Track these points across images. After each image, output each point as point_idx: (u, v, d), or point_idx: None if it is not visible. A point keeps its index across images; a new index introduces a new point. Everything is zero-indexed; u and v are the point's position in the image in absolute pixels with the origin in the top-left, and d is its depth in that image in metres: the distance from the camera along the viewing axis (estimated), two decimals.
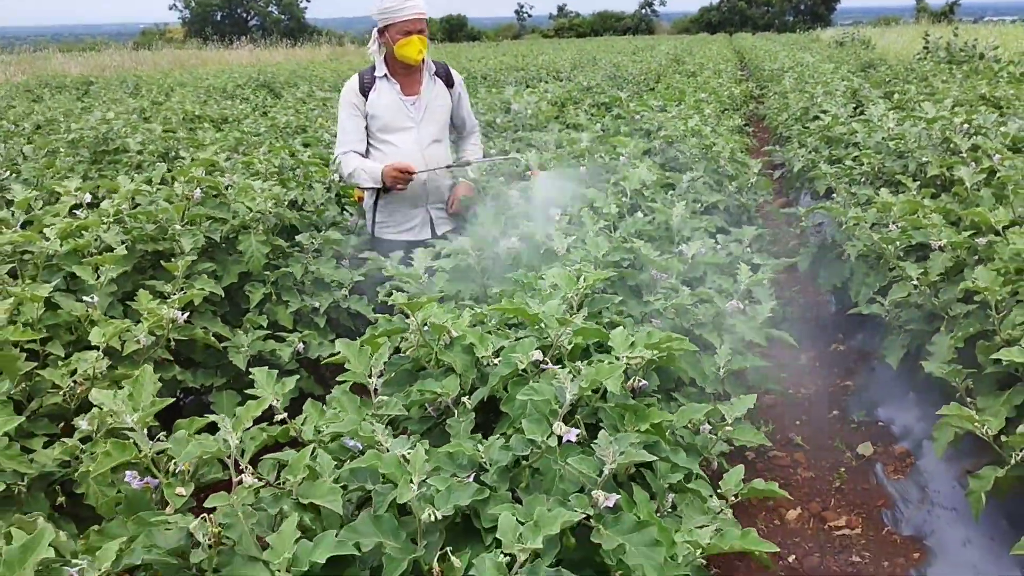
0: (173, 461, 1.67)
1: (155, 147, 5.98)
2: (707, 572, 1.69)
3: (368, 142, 3.95)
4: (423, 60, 3.85)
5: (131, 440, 1.68)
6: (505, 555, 1.32)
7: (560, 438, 1.59)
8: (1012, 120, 4.96)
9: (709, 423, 2.32)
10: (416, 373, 2.16)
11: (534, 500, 1.52)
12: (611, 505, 1.50)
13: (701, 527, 1.64)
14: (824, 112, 7.52)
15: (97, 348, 2.59)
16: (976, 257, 3.27)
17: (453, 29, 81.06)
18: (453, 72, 4.08)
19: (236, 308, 3.66)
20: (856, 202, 4.52)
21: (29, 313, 2.68)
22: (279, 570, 1.37)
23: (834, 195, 4.96)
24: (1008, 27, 32.04)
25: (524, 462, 1.64)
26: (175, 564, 1.44)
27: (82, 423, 2.15)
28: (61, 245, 2.95)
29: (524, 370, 1.90)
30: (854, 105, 7.76)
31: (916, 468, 3.45)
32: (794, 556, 3.13)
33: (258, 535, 1.51)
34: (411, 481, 1.46)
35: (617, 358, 1.86)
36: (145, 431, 1.72)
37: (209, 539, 1.47)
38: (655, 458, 1.63)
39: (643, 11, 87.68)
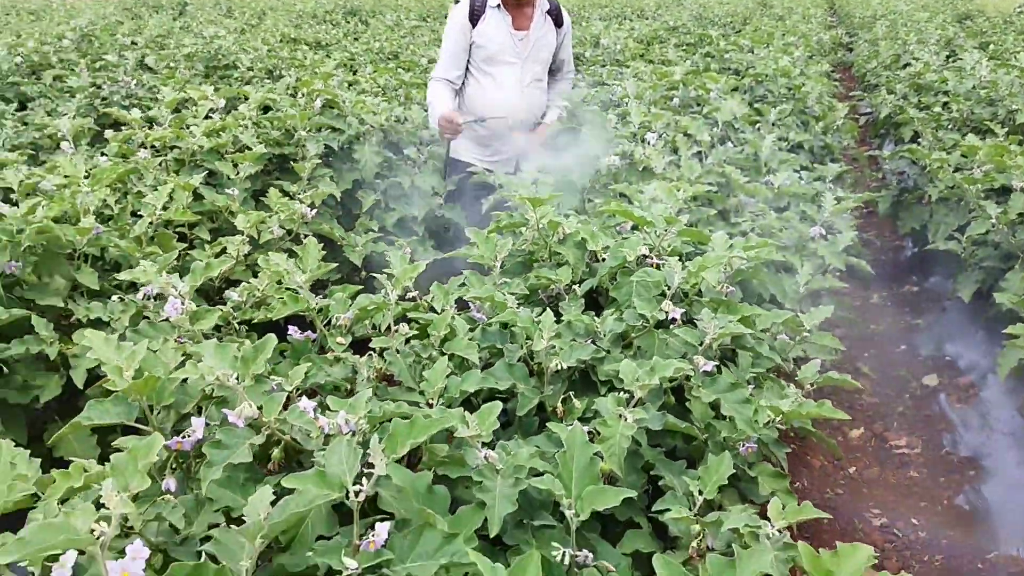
0: (334, 315, 1.98)
1: (263, 64, 6.30)
2: (782, 444, 1.95)
3: (470, 70, 3.87)
4: None
5: (300, 295, 2.00)
6: (625, 392, 1.59)
7: (667, 314, 1.86)
8: None
9: (787, 335, 2.55)
10: (530, 264, 2.43)
11: (642, 364, 1.79)
12: (708, 370, 1.76)
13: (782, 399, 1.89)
14: (916, 59, 7.48)
15: (241, 233, 2.93)
16: None
17: None
18: (564, 12, 3.98)
19: (348, 213, 3.97)
20: (942, 147, 4.61)
21: (180, 201, 3.02)
22: (432, 398, 1.67)
23: (920, 140, 5.05)
24: None
25: (633, 334, 1.91)
26: (345, 389, 1.75)
27: (232, 295, 2.48)
28: (206, 141, 3.27)
29: (630, 264, 2.16)
30: (947, 54, 7.68)
31: (979, 398, 3.64)
32: (854, 468, 3.37)
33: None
34: (542, 336, 1.74)
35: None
36: (308, 288, 2.04)
37: (371, 373, 1.79)
38: (749, 331, 1.88)
39: None
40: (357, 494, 1.21)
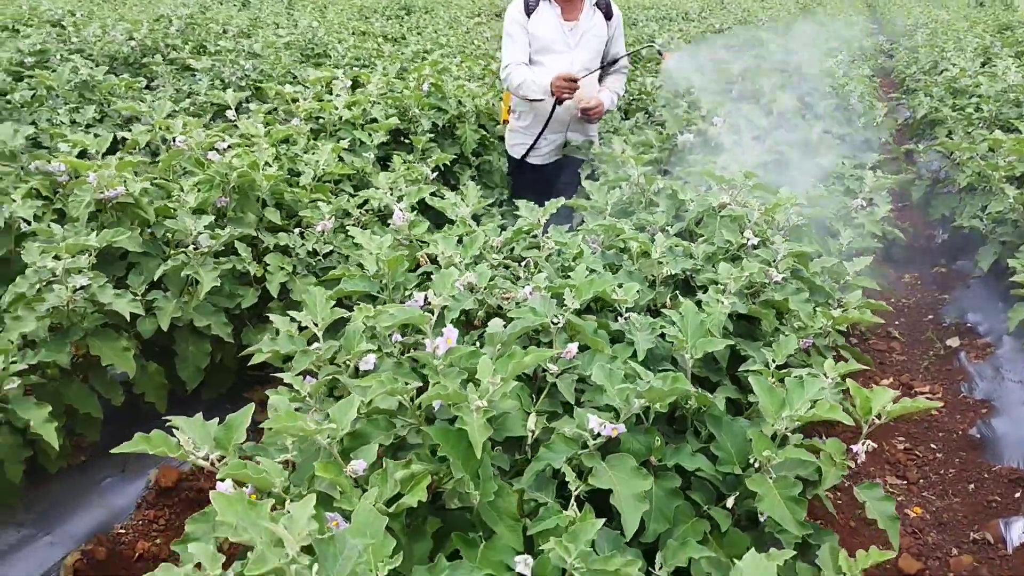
0: (491, 238, 2.62)
1: (352, 53, 6.98)
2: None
3: None
4: None
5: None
6: (720, 285, 2.21)
7: (747, 241, 2.47)
8: None
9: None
10: (630, 211, 3.06)
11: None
12: (778, 280, 2.37)
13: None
14: (953, 65, 7.99)
15: (378, 188, 3.58)
16: None
17: None
18: (614, 5, 4.16)
19: (446, 182, 4.62)
20: (971, 141, 5.17)
21: (331, 161, 3.68)
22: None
23: (953, 137, 5.60)
24: None
25: (720, 256, 2.53)
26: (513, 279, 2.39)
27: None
28: (347, 113, 3.93)
29: (714, 209, 2.78)
30: (982, 61, 8.18)
31: (994, 355, 4.20)
32: None
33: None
34: (656, 251, 2.37)
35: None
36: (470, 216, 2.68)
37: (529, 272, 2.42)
38: (812, 249, 2.49)
39: None
40: (556, 322, 1.84)
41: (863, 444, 1.94)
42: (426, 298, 2.06)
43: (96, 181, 2.73)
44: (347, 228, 3.42)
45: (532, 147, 4.17)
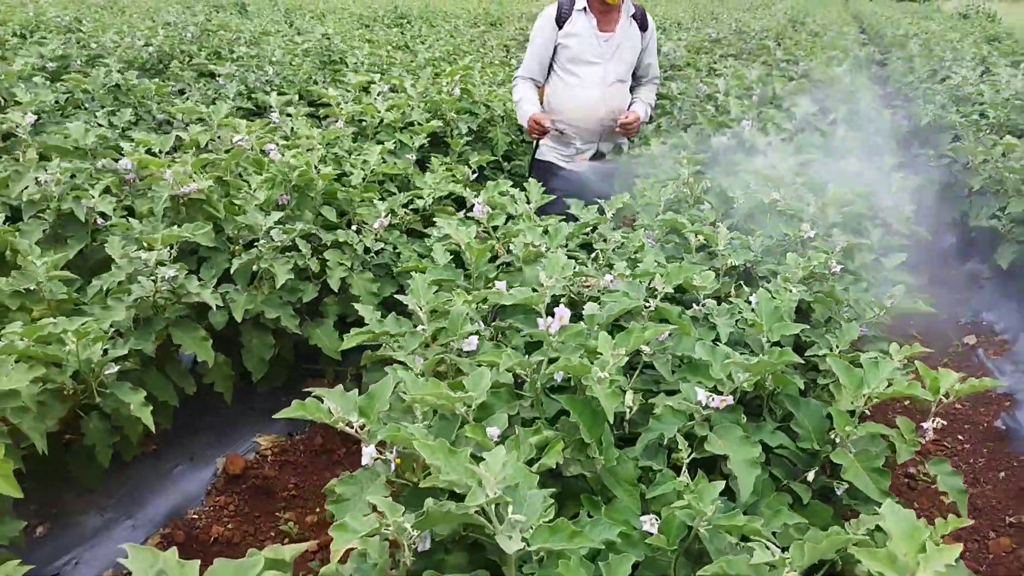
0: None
1: (369, 61, 7.09)
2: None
3: (555, 69, 4.03)
4: (622, 1, 3.94)
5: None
6: (787, 274, 2.34)
7: (804, 234, 2.60)
8: None
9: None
10: (677, 209, 3.18)
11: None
12: (836, 270, 2.50)
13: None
14: (954, 74, 8.20)
15: (420, 188, 3.69)
16: None
17: None
18: (648, 17, 4.11)
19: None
20: (982, 146, 5.33)
21: (377, 162, 3.78)
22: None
23: (961, 142, 5.76)
24: None
25: (777, 248, 2.66)
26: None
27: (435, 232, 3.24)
28: (389, 115, 4.04)
29: (765, 205, 2.91)
30: (982, 70, 8.38)
31: (1011, 352, 4.35)
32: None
33: None
34: (720, 243, 2.49)
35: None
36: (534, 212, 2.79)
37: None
38: (868, 242, 2.61)
39: None
40: (647, 306, 1.96)
41: (933, 421, 2.06)
42: (508, 284, 2.18)
43: (172, 178, 2.83)
44: (395, 226, 3.55)
45: (561, 151, 4.11)
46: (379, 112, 4.07)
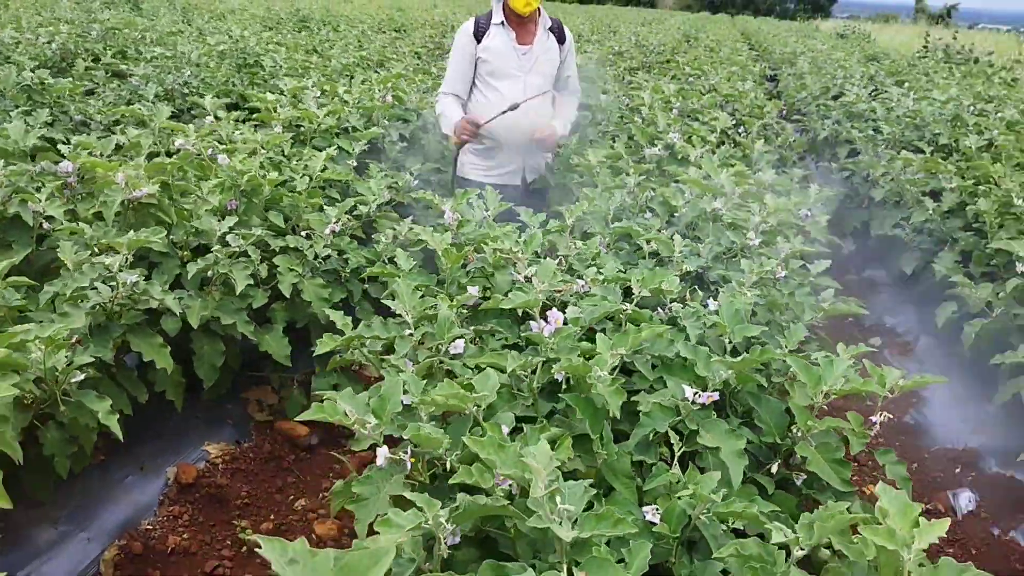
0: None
1: (289, 64, 7.01)
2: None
3: (476, 85, 4.04)
4: (539, 12, 3.97)
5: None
6: (742, 279, 2.49)
7: (750, 242, 2.77)
8: (1009, 107, 6.19)
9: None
10: (624, 213, 3.31)
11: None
12: (782, 277, 2.67)
13: None
14: (845, 91, 8.71)
15: (363, 194, 3.71)
16: (976, 198, 4.47)
17: None
18: (566, 30, 4.14)
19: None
20: (879, 161, 5.71)
21: (319, 167, 3.78)
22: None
23: (859, 157, 6.15)
24: (1002, 35, 33.56)
25: (726, 255, 2.81)
26: None
27: (382, 238, 3.28)
28: (329, 121, 4.04)
29: (708, 213, 3.07)
30: (871, 88, 8.93)
31: (914, 352, 4.69)
32: None
33: None
34: (676, 250, 2.62)
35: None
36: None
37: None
38: (812, 249, 2.80)
39: None
40: (624, 309, 2.06)
41: (880, 415, 2.24)
42: (482, 290, 2.25)
43: (124, 181, 2.77)
44: (341, 232, 3.55)
45: (484, 168, 4.10)
46: (318, 118, 4.06)
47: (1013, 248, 3.45)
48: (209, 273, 2.88)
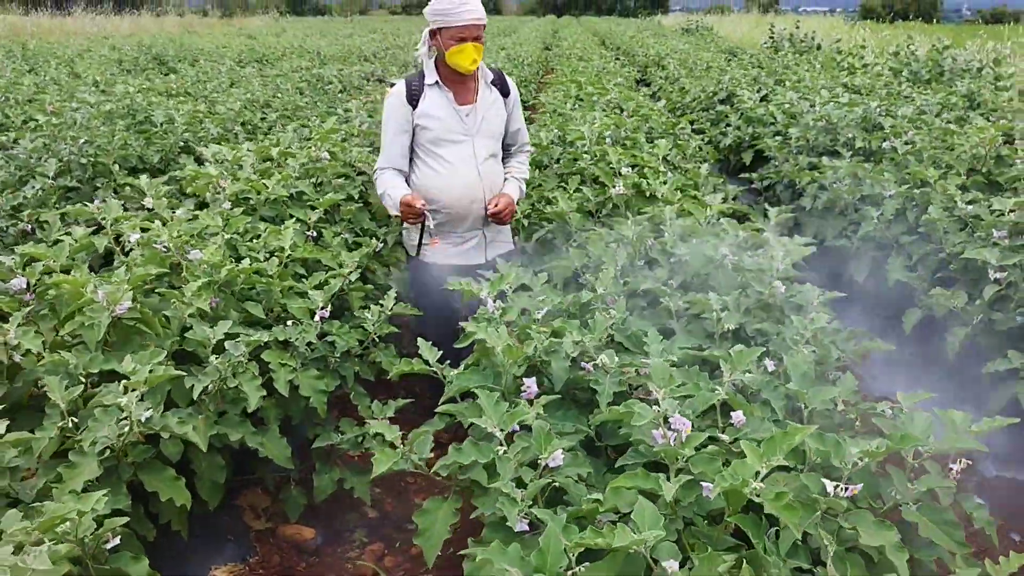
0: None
1: (185, 121, 6.57)
2: None
3: (418, 156, 3.62)
4: (478, 68, 3.55)
5: None
6: (796, 336, 2.44)
7: (779, 290, 2.73)
8: (907, 106, 6.50)
9: None
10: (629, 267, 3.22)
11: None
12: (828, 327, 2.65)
13: None
14: (735, 95, 8.97)
15: (333, 267, 3.49)
16: (914, 203, 4.64)
17: (296, 1, 79.52)
18: (509, 80, 3.78)
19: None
20: (800, 167, 5.87)
21: (283, 245, 3.51)
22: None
23: (774, 163, 6.31)
24: (824, 19, 35.77)
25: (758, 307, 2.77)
26: None
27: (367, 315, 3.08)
28: (282, 191, 3.78)
29: (715, 262, 3.02)
30: (757, 89, 9.23)
31: (871, 358, 4.82)
32: None
33: None
34: (715, 309, 2.56)
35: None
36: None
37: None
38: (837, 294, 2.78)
39: None
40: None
41: (960, 463, 2.24)
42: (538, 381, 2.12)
43: (105, 299, 2.47)
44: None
45: (442, 250, 3.65)
46: (267, 188, 3.79)
47: (984, 256, 3.57)
48: (208, 387, 2.60)
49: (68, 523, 1.84)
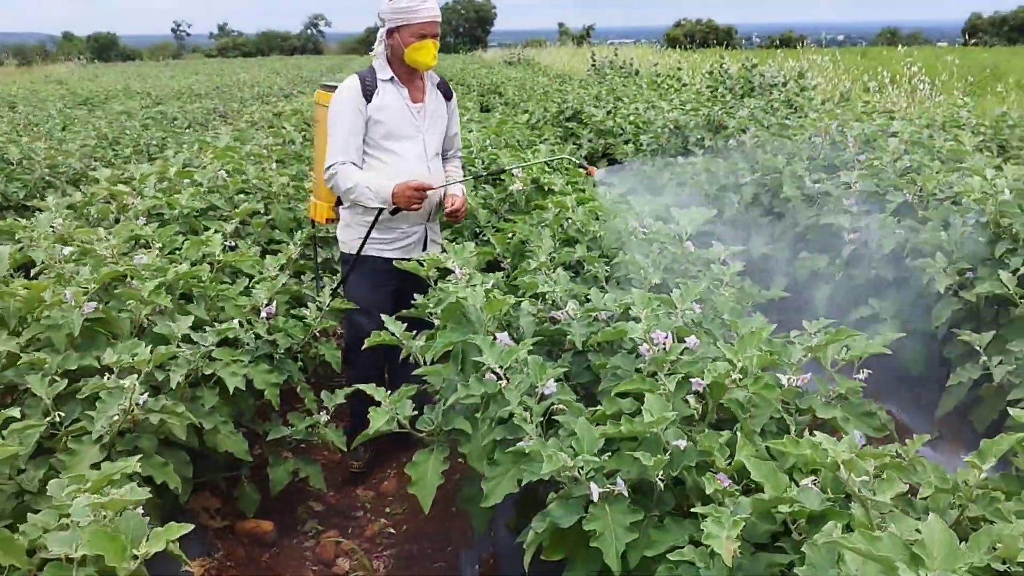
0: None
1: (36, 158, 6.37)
2: None
3: (368, 151, 3.60)
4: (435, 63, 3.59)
5: None
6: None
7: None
8: (741, 109, 7.24)
9: None
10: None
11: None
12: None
13: None
14: (581, 112, 9.58)
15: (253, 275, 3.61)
16: (767, 188, 5.22)
17: (102, 48, 76.01)
18: (449, 86, 3.84)
19: None
20: (657, 168, 6.43)
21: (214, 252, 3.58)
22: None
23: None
24: (634, 48, 38.11)
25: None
26: None
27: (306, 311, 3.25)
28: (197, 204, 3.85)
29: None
30: (603, 106, 9.89)
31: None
32: None
33: None
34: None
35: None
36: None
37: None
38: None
39: (309, 31, 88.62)
40: None
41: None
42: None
43: (73, 299, 2.52)
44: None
45: (385, 242, 3.63)
46: (179, 203, 3.85)
47: (839, 221, 4.14)
48: (177, 380, 2.67)
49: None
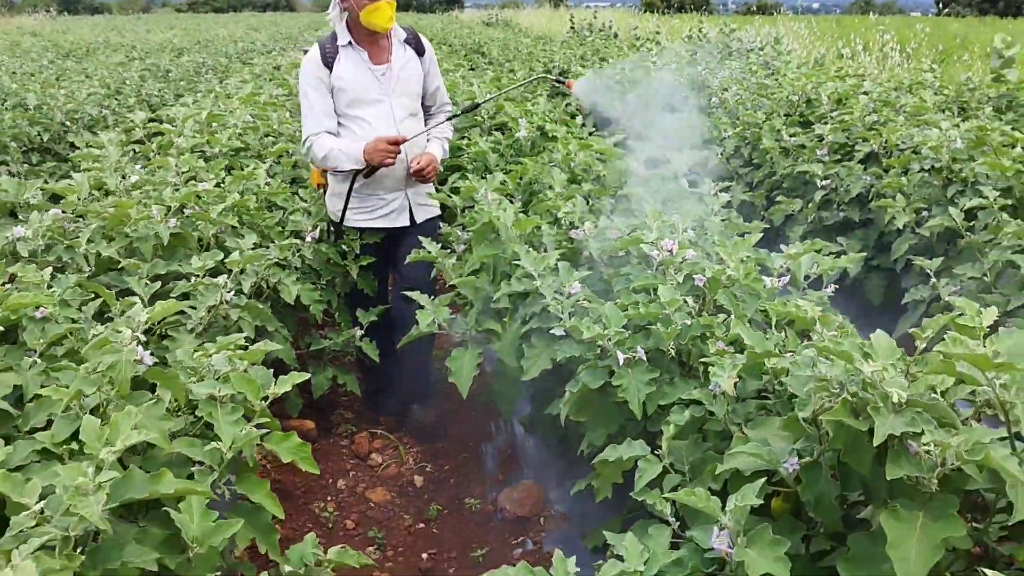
0: None
1: (52, 104, 6.66)
2: None
3: (336, 119, 3.59)
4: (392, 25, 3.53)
5: None
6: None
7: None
8: (723, 70, 7.68)
9: None
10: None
11: None
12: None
13: None
14: (568, 72, 9.94)
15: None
16: (747, 141, 5.68)
17: (69, 1, 74.47)
18: (423, 39, 3.75)
19: None
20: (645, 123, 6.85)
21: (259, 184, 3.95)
22: None
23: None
24: (614, 10, 38.29)
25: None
26: None
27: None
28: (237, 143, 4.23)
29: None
30: (589, 65, 10.27)
31: None
32: None
33: None
34: None
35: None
36: None
37: None
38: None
39: None
40: None
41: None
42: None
43: (159, 214, 2.92)
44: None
45: (366, 211, 3.69)
46: (224, 142, 4.23)
47: (813, 170, 4.61)
48: (248, 287, 3.07)
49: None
